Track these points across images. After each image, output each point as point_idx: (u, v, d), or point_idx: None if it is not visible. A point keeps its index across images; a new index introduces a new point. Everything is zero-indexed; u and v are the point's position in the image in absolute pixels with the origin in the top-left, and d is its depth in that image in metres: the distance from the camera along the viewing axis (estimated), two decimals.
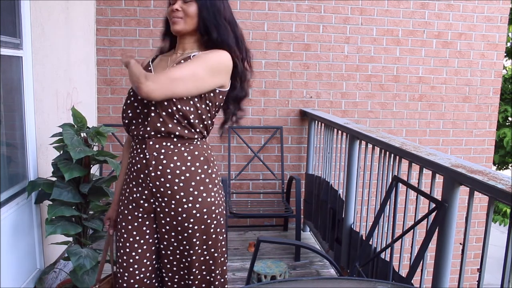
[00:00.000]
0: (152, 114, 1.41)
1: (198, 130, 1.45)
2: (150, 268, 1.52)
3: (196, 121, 1.43)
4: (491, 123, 4.19)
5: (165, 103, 1.39)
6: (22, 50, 2.27)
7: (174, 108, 1.39)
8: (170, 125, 1.40)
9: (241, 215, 3.34)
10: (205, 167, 1.48)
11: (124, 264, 1.49)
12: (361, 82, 3.95)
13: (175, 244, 1.48)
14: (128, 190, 1.52)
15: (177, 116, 1.40)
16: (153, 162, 1.43)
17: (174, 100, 1.38)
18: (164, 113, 1.40)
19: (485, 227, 1.42)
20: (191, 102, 1.41)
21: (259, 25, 3.74)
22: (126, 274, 1.49)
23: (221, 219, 1.52)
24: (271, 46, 3.77)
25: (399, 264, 2.03)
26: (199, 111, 1.43)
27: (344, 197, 2.71)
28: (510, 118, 6.95)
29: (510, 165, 7.44)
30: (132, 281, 1.49)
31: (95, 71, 3.61)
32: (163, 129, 1.41)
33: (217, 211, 1.49)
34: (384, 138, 2.23)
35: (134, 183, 1.49)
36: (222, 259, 1.57)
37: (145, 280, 1.51)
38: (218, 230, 1.51)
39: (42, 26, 2.47)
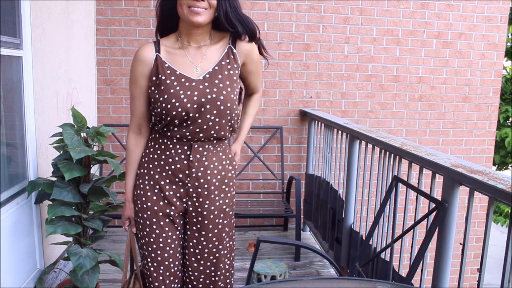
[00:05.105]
0: (210, 123, 1.44)
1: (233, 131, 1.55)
2: (177, 262, 1.56)
3: (236, 125, 1.54)
4: (491, 123, 4.19)
5: (227, 112, 1.45)
6: (22, 50, 2.27)
7: (232, 117, 1.49)
8: (222, 133, 1.47)
9: (241, 215, 3.34)
10: (230, 162, 1.58)
11: (159, 258, 1.52)
12: (361, 82, 3.95)
13: (204, 243, 1.53)
14: (158, 187, 1.50)
15: (230, 123, 1.49)
16: (196, 164, 1.47)
17: (230, 111, 1.46)
18: (223, 121, 1.46)
19: (485, 227, 1.43)
20: (237, 111, 1.54)
21: (259, 25, 3.66)
22: (162, 268, 1.52)
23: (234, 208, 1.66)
24: (271, 46, 3.77)
25: (399, 264, 2.02)
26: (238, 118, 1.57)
27: (344, 197, 2.71)
28: (511, 119, 6.94)
29: (510, 165, 7.44)
30: (167, 273, 1.53)
31: (95, 71, 3.61)
32: (215, 135, 1.47)
33: (235, 202, 1.64)
34: (384, 138, 2.23)
35: (168, 181, 1.49)
36: (234, 246, 1.67)
37: (178, 273, 1.57)
38: (234, 220, 1.65)
39: (42, 26, 2.47)
